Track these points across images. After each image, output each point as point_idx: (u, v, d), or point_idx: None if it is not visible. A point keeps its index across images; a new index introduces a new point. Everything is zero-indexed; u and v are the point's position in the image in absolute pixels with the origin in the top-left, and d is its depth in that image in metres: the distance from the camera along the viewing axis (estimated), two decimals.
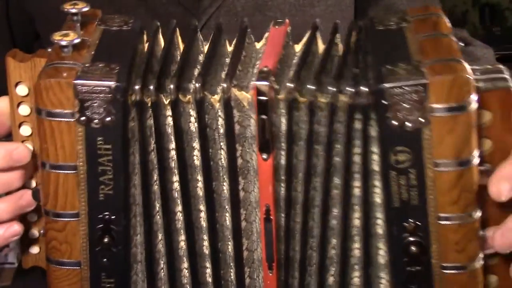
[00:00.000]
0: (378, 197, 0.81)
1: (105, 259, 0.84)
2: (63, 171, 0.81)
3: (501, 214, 0.80)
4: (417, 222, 0.79)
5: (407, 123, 0.76)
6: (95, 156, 0.80)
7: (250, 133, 0.81)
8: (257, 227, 0.85)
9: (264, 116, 0.78)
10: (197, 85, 0.79)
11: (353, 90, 0.77)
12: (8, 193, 0.86)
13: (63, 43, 0.80)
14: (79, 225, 0.82)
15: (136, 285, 0.87)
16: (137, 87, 0.79)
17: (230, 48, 0.86)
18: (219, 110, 0.80)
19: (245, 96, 0.79)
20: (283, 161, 0.81)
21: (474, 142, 0.77)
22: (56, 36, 0.80)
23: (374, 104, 0.77)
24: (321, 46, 0.85)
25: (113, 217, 0.82)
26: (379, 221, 0.82)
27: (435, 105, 0.75)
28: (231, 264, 0.87)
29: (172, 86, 0.79)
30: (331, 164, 0.80)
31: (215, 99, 0.80)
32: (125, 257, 0.84)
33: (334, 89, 0.77)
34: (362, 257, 0.84)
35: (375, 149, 0.79)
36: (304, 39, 0.86)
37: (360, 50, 0.83)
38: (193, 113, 0.81)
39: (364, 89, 0.76)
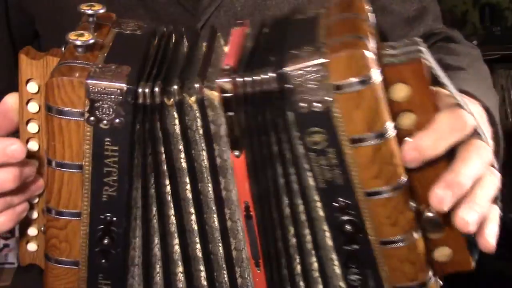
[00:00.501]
0: (311, 180, 0.81)
1: (103, 260, 0.84)
2: (69, 170, 0.81)
3: (428, 181, 0.80)
4: (346, 201, 0.79)
5: (315, 104, 0.76)
6: (101, 157, 0.80)
7: (223, 131, 0.81)
8: (242, 225, 0.86)
9: (230, 113, 0.79)
10: (174, 87, 0.80)
11: (250, 79, 0.77)
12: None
13: (78, 42, 0.80)
14: (80, 224, 0.83)
15: None
16: (140, 90, 0.79)
17: (204, 50, 0.87)
18: (197, 111, 0.81)
19: (215, 95, 0.80)
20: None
21: (385, 114, 0.76)
22: (71, 36, 0.81)
23: (280, 89, 0.77)
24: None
25: (114, 218, 0.82)
26: (319, 204, 0.82)
27: (337, 83, 0.75)
28: (223, 265, 0.88)
29: (156, 90, 0.80)
30: (272, 155, 0.81)
31: (192, 100, 0.80)
32: (124, 259, 0.85)
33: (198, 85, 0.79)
34: (315, 242, 0.84)
35: (295, 134, 0.79)
36: None
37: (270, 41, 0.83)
38: (176, 115, 0.82)
39: (271, 75, 0.77)
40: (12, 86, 0.86)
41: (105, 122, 0.79)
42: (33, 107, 0.85)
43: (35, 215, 0.89)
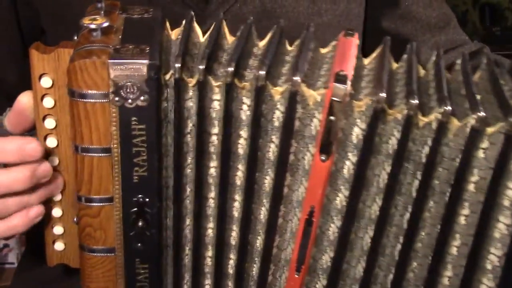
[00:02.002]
0: (498, 232, 0.79)
1: (139, 244, 0.83)
2: (98, 154, 0.80)
3: None
4: None
5: None
6: (129, 137, 0.80)
7: (309, 132, 0.80)
8: (292, 227, 0.84)
9: (333, 118, 0.78)
10: (260, 72, 0.78)
11: (483, 115, 0.75)
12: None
13: (93, 26, 0.80)
14: (113, 209, 0.82)
15: (166, 271, 0.87)
16: (177, 65, 0.78)
17: (290, 48, 0.86)
18: (278, 103, 0.79)
19: (312, 94, 0.78)
20: (346, 170, 0.80)
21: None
22: (86, 20, 0.81)
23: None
24: (394, 65, 0.85)
25: (147, 199, 0.82)
26: (491, 256, 0.80)
27: None
28: (256, 259, 0.87)
29: (230, 69, 0.78)
30: (428, 186, 0.79)
31: (277, 90, 0.79)
32: (159, 241, 0.84)
33: (449, 109, 0.76)
34: (456, 286, 0.83)
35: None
36: (374, 54, 0.86)
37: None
38: (246, 100, 0.80)
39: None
40: (24, 80, 0.85)
41: (130, 101, 0.78)
42: (48, 102, 0.84)
43: (59, 212, 0.88)
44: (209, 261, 0.88)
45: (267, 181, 0.83)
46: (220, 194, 0.84)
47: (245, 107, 0.80)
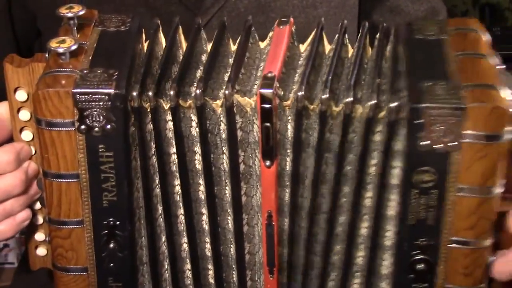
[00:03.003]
0: (392, 210, 0.81)
1: (111, 264, 0.83)
2: (66, 180, 0.80)
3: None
4: (430, 242, 0.79)
5: (437, 145, 0.75)
6: (97, 164, 0.79)
7: (253, 138, 0.79)
8: (259, 231, 0.85)
9: (267, 124, 0.77)
10: (197, 91, 0.77)
11: (374, 102, 0.75)
12: None
13: (60, 50, 0.78)
14: (84, 232, 0.82)
15: (143, 286, 0.87)
16: (135, 93, 0.77)
17: (233, 47, 0.84)
18: (221, 116, 0.79)
19: (248, 102, 0.78)
20: (288, 167, 0.80)
21: (501, 172, 0.76)
22: (53, 43, 0.78)
23: (408, 120, 0.76)
24: (327, 47, 0.84)
25: (117, 222, 0.82)
26: (388, 233, 0.82)
27: (469, 132, 0.74)
28: (233, 266, 0.87)
29: (172, 92, 0.77)
30: (342, 173, 0.80)
31: (217, 104, 0.78)
32: (132, 261, 0.84)
33: (350, 100, 0.76)
34: (365, 266, 0.84)
35: (397, 163, 0.78)
36: (309, 39, 0.84)
37: (386, 57, 0.82)
38: (194, 118, 0.79)
39: (393, 105, 0.75)
40: None
41: (96, 129, 0.77)
42: (24, 115, 0.84)
43: (40, 220, 0.89)
44: (189, 274, 0.89)
45: (227, 192, 0.83)
46: (187, 210, 0.84)
47: (194, 124, 0.80)
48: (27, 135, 0.84)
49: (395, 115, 0.76)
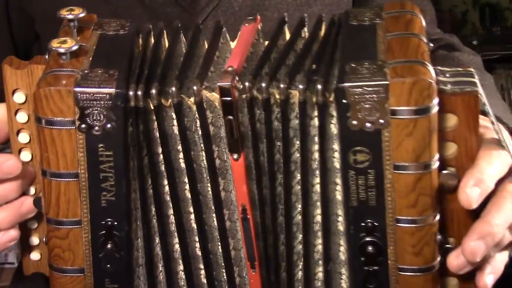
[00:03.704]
0: (339, 195, 0.81)
1: (108, 265, 0.84)
2: (65, 179, 0.80)
3: (464, 219, 0.81)
4: (375, 223, 0.79)
5: (367, 124, 0.75)
6: (96, 163, 0.79)
7: (223, 133, 0.80)
8: (239, 227, 0.85)
9: (230, 117, 0.78)
10: (173, 89, 0.78)
11: (303, 86, 0.76)
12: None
13: (61, 50, 0.79)
14: (81, 232, 0.82)
15: None
16: (131, 93, 0.78)
17: (205, 47, 0.86)
18: (196, 112, 0.80)
19: (216, 97, 0.79)
20: (254, 160, 0.82)
21: (434, 146, 0.76)
22: (54, 44, 0.79)
23: (336, 102, 0.76)
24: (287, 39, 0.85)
25: (115, 223, 0.82)
26: (340, 218, 0.82)
27: (394, 108, 0.74)
28: (222, 264, 0.88)
29: (153, 91, 0.78)
30: (291, 161, 0.80)
31: (191, 101, 0.79)
32: (128, 262, 0.84)
33: (285, 85, 0.77)
34: (324, 253, 0.84)
35: (336, 147, 0.79)
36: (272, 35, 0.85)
37: (327, 44, 0.82)
38: (174, 116, 0.80)
39: (318, 87, 0.76)
40: None
41: (96, 128, 0.78)
42: (22, 117, 0.84)
43: (34, 224, 0.89)
44: (182, 275, 0.89)
45: (209, 189, 0.84)
46: (176, 210, 0.84)
47: (174, 122, 0.81)
48: (24, 137, 0.85)
49: (322, 97, 0.76)
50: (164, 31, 0.86)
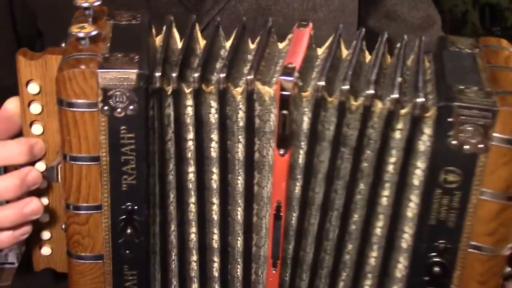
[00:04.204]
0: (410, 211, 0.82)
1: (127, 251, 0.84)
2: (86, 163, 0.80)
3: None
4: (448, 244, 0.81)
5: (466, 146, 0.76)
6: (118, 146, 0.80)
7: (269, 128, 0.81)
8: (266, 223, 0.86)
9: (285, 112, 0.79)
10: (221, 75, 0.79)
11: (396, 96, 0.77)
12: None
13: (81, 35, 0.80)
14: (101, 217, 0.82)
15: (154, 277, 0.88)
16: (157, 74, 0.79)
17: (252, 46, 0.87)
18: (240, 103, 0.81)
19: (267, 91, 0.80)
20: (301, 159, 0.82)
21: None
22: (74, 29, 0.80)
23: (437, 119, 0.77)
24: (344, 52, 0.87)
25: (135, 207, 0.82)
26: (406, 235, 0.83)
27: (498, 135, 0.76)
28: (239, 259, 0.88)
29: (196, 75, 0.79)
30: (358, 169, 0.81)
31: (238, 91, 0.80)
32: (147, 248, 0.84)
33: (372, 92, 0.77)
34: (379, 267, 0.85)
35: (419, 163, 0.79)
36: (327, 43, 0.87)
37: (408, 65, 0.84)
38: (214, 104, 0.81)
39: (420, 100, 0.77)
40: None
41: (119, 110, 0.78)
42: (35, 108, 0.84)
43: (46, 218, 0.88)
44: (194, 266, 0.89)
45: (240, 181, 0.84)
46: (199, 199, 0.85)
47: (213, 110, 0.82)
48: (37, 129, 0.85)
49: (419, 111, 0.77)
50: (173, 24, 0.87)
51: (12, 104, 0.85)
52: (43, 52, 0.84)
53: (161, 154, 0.83)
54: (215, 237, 0.87)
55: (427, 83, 0.81)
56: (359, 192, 0.82)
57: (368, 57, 0.86)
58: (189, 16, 0.88)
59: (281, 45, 0.87)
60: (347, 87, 0.78)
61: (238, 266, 0.89)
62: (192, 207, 0.86)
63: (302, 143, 0.81)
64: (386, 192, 0.82)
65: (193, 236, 0.87)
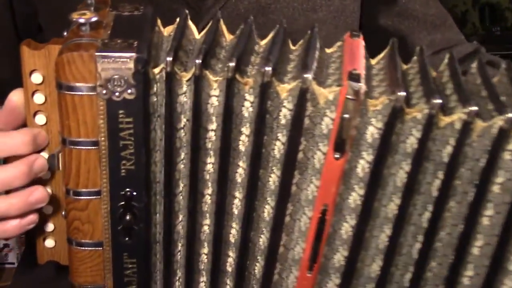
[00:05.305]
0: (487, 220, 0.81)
1: (127, 238, 0.84)
2: (85, 147, 0.81)
3: None
4: None
5: None
6: (116, 131, 0.80)
7: (319, 130, 0.79)
8: (301, 226, 0.84)
9: (347, 115, 0.77)
10: (266, 68, 0.78)
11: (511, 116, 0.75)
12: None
13: (82, 20, 0.81)
14: (101, 203, 0.83)
15: (155, 266, 0.87)
16: (169, 58, 0.79)
17: (293, 47, 0.86)
18: (285, 100, 0.79)
19: (323, 93, 0.78)
20: (359, 168, 0.80)
21: None
22: (75, 15, 0.81)
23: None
24: (403, 66, 0.85)
25: (134, 193, 0.82)
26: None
27: None
28: (259, 257, 0.87)
29: (231, 64, 0.78)
30: (450, 186, 0.79)
31: (284, 87, 0.79)
32: (147, 236, 0.84)
33: (475, 108, 0.76)
34: (476, 282, 0.84)
35: (499, 179, 0.78)
36: (382, 54, 0.86)
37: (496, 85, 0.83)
38: (249, 97, 0.80)
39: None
40: (18, 77, 0.86)
41: (117, 94, 0.79)
42: (39, 98, 0.85)
43: (50, 209, 0.89)
44: (204, 258, 0.88)
45: (272, 178, 0.83)
46: (219, 191, 0.83)
47: (247, 103, 0.80)
48: (41, 119, 0.86)
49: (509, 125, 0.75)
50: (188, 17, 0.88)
51: (16, 96, 0.86)
52: (46, 43, 0.85)
53: (169, 142, 0.82)
54: (233, 231, 0.86)
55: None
56: (449, 210, 0.80)
57: (432, 72, 0.85)
58: (191, 13, 0.89)
59: (329, 51, 0.86)
60: (439, 101, 0.76)
61: (257, 264, 0.87)
62: (208, 198, 0.85)
63: (364, 153, 0.79)
64: (489, 212, 0.80)
65: (206, 228, 0.86)
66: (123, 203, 0.82)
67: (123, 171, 0.81)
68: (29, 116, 0.86)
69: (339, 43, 0.86)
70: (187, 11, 0.87)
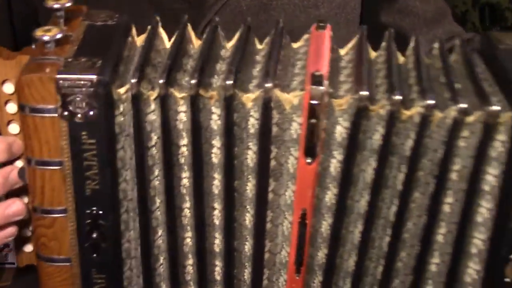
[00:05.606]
0: (481, 217, 0.80)
1: (94, 255, 0.83)
2: (49, 167, 0.80)
3: None
4: None
5: None
6: (79, 151, 0.79)
7: (289, 136, 0.78)
8: (284, 230, 0.83)
9: (313, 120, 0.76)
10: (227, 82, 0.76)
11: (464, 106, 0.75)
12: None
13: (45, 38, 0.79)
14: (67, 221, 0.82)
15: (131, 280, 0.87)
16: (133, 80, 0.77)
17: (260, 46, 0.84)
18: (252, 110, 0.78)
19: (287, 98, 0.76)
20: (332, 168, 0.79)
21: None
22: (39, 32, 0.80)
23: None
24: (372, 53, 0.83)
25: (100, 212, 0.82)
26: (476, 240, 0.81)
27: None
28: (246, 264, 0.86)
29: (193, 82, 0.77)
30: (413, 178, 0.78)
31: (248, 97, 0.77)
32: (116, 253, 0.84)
33: (432, 102, 0.75)
34: (440, 272, 0.84)
35: (492, 169, 0.77)
36: (350, 44, 0.84)
37: (454, 67, 0.82)
38: (216, 110, 0.78)
39: (495, 109, 0.75)
40: None
41: (79, 115, 0.78)
42: (11, 107, 0.85)
43: (27, 215, 0.89)
44: (190, 269, 0.88)
45: (249, 187, 0.82)
46: (197, 204, 0.83)
47: (215, 116, 0.79)
48: (14, 128, 0.85)
49: (492, 119, 0.75)
50: (160, 24, 0.85)
51: None
52: (18, 52, 0.84)
53: (141, 160, 0.81)
54: (217, 241, 0.85)
55: (478, 87, 0.78)
56: (414, 201, 0.80)
57: (401, 59, 0.84)
58: (192, 12, 0.86)
59: (295, 45, 0.84)
60: (399, 97, 0.75)
61: (246, 270, 0.87)
62: (187, 212, 0.84)
63: (334, 152, 0.78)
64: (449, 200, 0.80)
65: (188, 241, 0.86)
66: (89, 221, 0.82)
67: (88, 190, 0.81)
68: (3, 125, 0.85)
69: (305, 36, 0.84)
70: (158, 18, 0.85)
